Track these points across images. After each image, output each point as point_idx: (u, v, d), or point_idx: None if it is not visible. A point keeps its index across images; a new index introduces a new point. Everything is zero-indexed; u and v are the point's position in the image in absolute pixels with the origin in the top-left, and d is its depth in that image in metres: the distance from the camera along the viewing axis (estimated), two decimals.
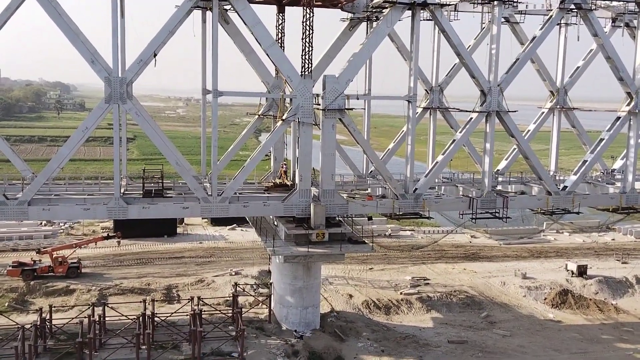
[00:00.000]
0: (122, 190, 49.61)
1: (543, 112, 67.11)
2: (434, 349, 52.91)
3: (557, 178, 62.25)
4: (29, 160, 79.28)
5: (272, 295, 55.54)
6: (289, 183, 56.64)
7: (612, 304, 65.77)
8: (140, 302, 51.63)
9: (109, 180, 53.60)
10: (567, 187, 57.01)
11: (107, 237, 70.97)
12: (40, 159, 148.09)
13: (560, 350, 54.13)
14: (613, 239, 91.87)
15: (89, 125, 46.47)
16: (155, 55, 46.11)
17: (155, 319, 49.07)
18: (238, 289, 56.39)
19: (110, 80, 45.45)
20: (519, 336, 57.08)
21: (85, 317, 46.83)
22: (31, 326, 45.38)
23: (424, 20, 52.70)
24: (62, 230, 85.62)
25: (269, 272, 64.13)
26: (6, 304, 57.62)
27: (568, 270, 72.74)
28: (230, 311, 52.81)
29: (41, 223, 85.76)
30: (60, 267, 65.07)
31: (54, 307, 51.49)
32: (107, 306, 51.10)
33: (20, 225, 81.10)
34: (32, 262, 65.71)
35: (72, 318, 48.83)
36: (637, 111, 55.89)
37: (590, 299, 66.05)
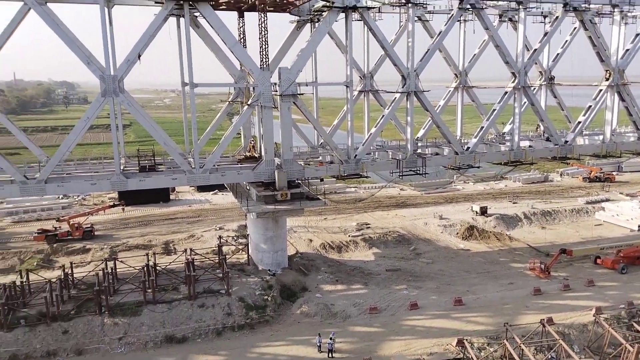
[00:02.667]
0: (121, 167, 48.15)
1: (450, 91, 67.73)
2: (375, 276, 53.90)
3: (462, 141, 63.23)
4: (44, 147, 75.69)
5: (249, 244, 55.24)
6: (256, 155, 55.82)
7: (506, 234, 67.79)
8: (144, 255, 50.61)
9: (111, 160, 51.87)
10: (469, 147, 58.02)
11: (114, 205, 69.41)
12: (53, 145, 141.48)
13: (469, 271, 55.88)
14: (505, 185, 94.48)
15: (90, 116, 44.52)
16: (139, 56, 44.09)
17: (157, 268, 48.32)
18: (222, 240, 56.05)
19: (104, 78, 43.45)
20: (439, 262, 58.61)
21: (100, 270, 45.92)
22: (57, 280, 44.33)
23: (355, 20, 51.98)
24: (76, 202, 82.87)
25: (246, 226, 63.84)
26: (35, 264, 55.79)
27: (473, 211, 74.52)
28: (217, 258, 52.36)
29: (59, 197, 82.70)
30: (77, 232, 63.31)
31: (74, 263, 50.37)
32: (118, 260, 49.97)
33: (41, 200, 78.05)
34: (54, 229, 63.70)
35: (90, 271, 48.07)
36: (519, 87, 56.90)
37: (491, 232, 68.03)
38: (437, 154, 60.34)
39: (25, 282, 44.88)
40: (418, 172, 55.41)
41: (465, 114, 70.03)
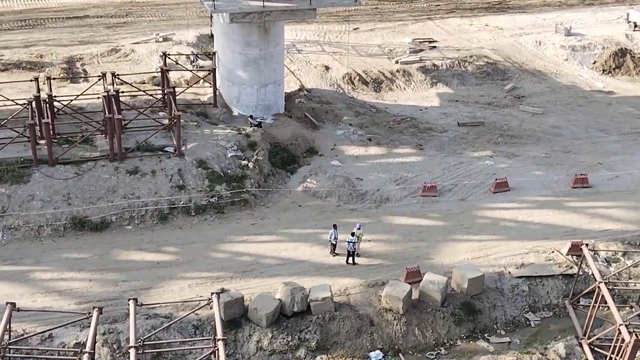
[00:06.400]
0: None
1: None
2: (438, 135, 54.92)
3: None
4: None
5: (216, 69, 55.88)
6: None
7: None
8: (32, 80, 51.34)
9: None
10: None
11: None
12: None
13: (607, 131, 56.43)
14: None
15: None
16: None
17: (55, 103, 49.52)
18: (169, 61, 56.53)
19: None
20: (555, 114, 59.20)
21: None
22: None
23: None
24: None
25: (212, 36, 64.04)
26: None
27: (630, 23, 73.02)
28: (160, 92, 53.43)
29: None
30: None
31: None
32: None
33: None
34: None
35: None
36: None
37: None
38: None
39: None
40: None
41: None
